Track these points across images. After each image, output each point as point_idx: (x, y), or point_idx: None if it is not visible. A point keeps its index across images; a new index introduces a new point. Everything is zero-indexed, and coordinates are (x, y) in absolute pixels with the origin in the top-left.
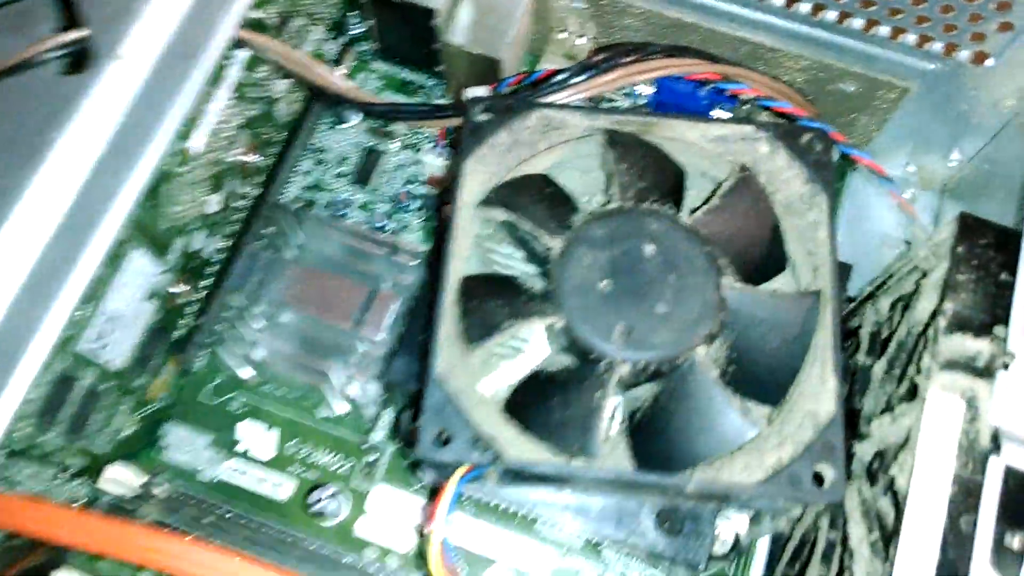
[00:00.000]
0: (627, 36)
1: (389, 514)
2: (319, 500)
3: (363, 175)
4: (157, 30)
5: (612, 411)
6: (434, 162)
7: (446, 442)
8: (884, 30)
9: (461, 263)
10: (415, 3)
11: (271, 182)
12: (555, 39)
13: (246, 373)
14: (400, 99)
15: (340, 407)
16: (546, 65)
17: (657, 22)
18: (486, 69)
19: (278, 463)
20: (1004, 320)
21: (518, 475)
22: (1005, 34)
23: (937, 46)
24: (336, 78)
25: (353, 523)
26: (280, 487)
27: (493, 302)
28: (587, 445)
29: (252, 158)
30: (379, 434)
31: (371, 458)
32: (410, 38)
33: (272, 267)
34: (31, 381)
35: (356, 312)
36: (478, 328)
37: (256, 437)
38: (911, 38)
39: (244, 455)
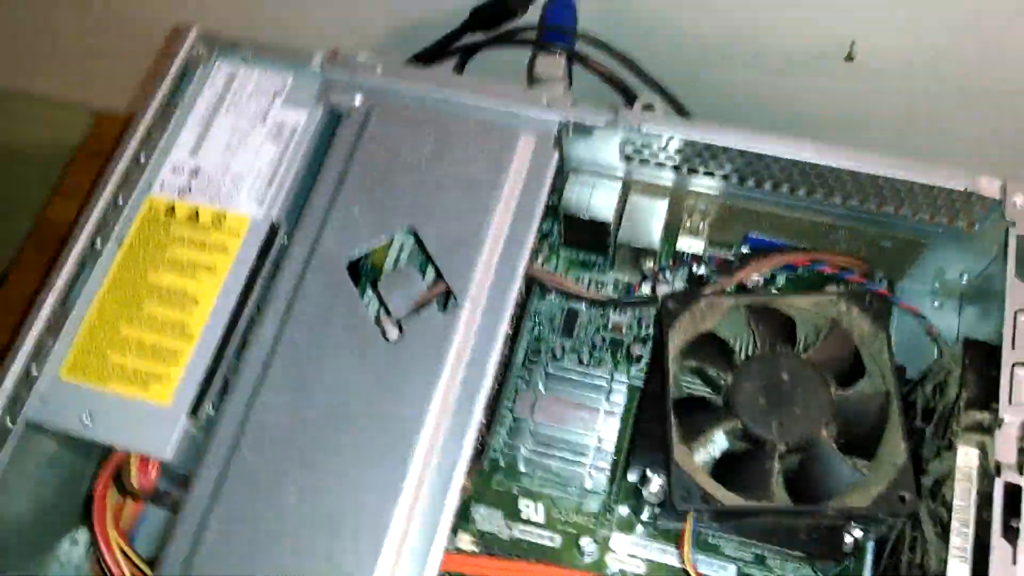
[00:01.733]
0: (728, 223)
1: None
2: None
3: (568, 329)
4: (485, 280)
5: (775, 473)
6: (619, 319)
7: (687, 497)
8: (904, 211)
9: (674, 392)
10: (595, 219)
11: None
12: (683, 226)
13: (521, 468)
14: (583, 274)
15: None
16: (681, 243)
17: (739, 211)
18: (642, 253)
19: (549, 525)
20: (996, 399)
21: (726, 515)
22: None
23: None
24: (573, 284)
25: (604, 557)
26: (552, 540)
27: (697, 415)
28: (766, 493)
29: None
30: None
31: (609, 518)
32: (589, 237)
33: (526, 399)
34: None
35: (593, 424)
36: (692, 432)
37: (531, 510)
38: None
39: (527, 521)
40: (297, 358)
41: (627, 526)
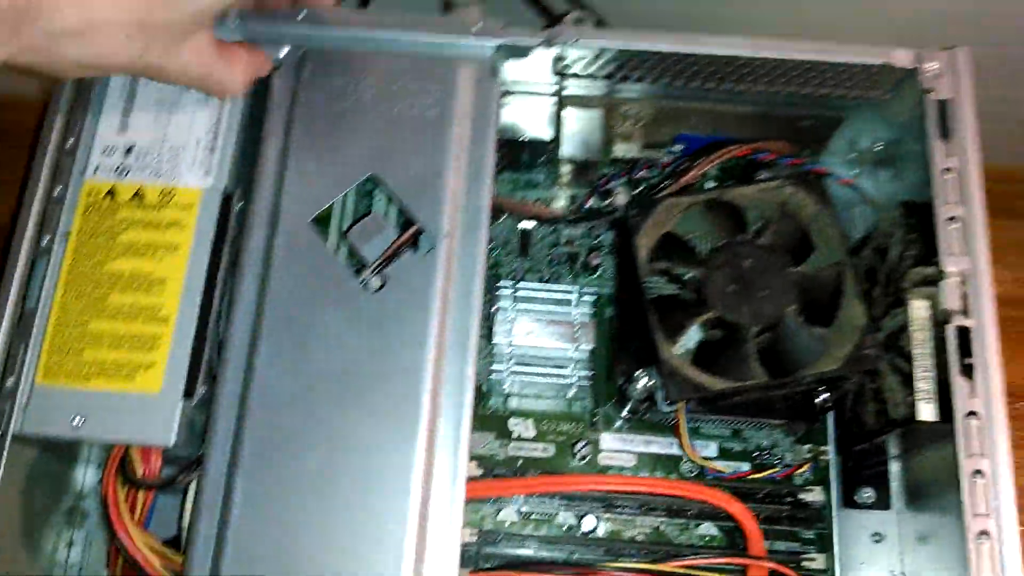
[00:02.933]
0: (659, 124)
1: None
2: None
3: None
4: (455, 214)
5: (753, 353)
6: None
7: (681, 389)
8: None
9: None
10: (534, 139)
11: None
12: (617, 133)
13: (506, 389)
14: (528, 194)
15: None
16: (617, 150)
17: (669, 112)
18: (583, 166)
19: (540, 437)
20: (936, 254)
21: (712, 399)
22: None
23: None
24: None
25: (596, 457)
26: (545, 450)
27: (674, 312)
28: (746, 373)
29: None
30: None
31: (595, 420)
32: (530, 157)
33: (500, 325)
34: None
35: (567, 335)
36: (672, 329)
37: (520, 426)
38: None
39: (519, 437)
40: (284, 323)
41: (612, 425)
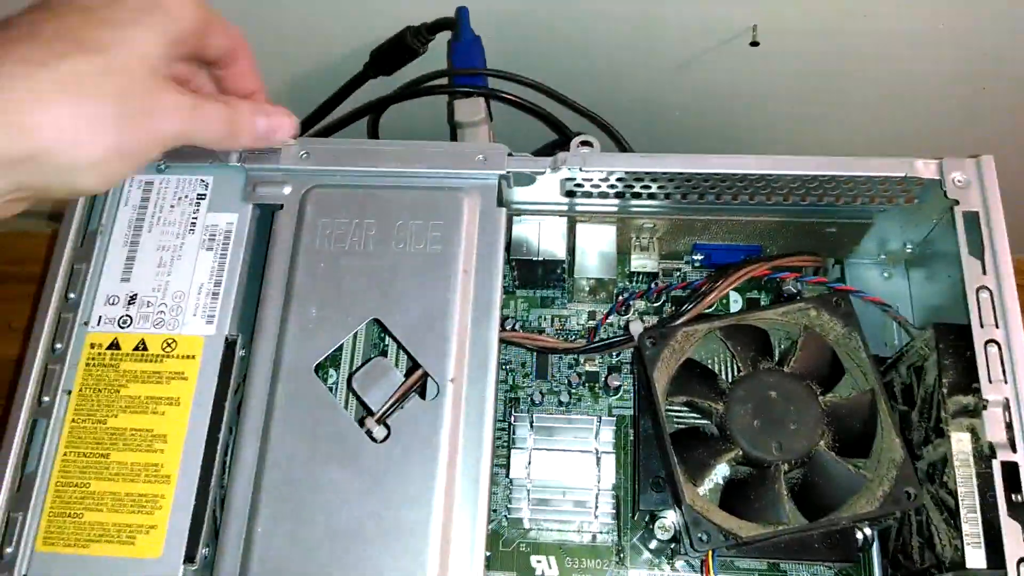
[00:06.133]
0: (677, 235)
1: None
2: None
3: (541, 372)
4: (462, 356)
5: (784, 493)
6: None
7: (707, 540)
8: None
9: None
10: (547, 259)
11: None
12: (633, 246)
13: (526, 526)
14: (543, 312)
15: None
16: (634, 263)
17: (686, 224)
18: (599, 281)
19: (563, 575)
20: (976, 379)
21: (745, 545)
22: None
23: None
24: (544, 338)
25: None
26: None
27: (697, 449)
28: (779, 516)
29: None
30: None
31: (621, 556)
32: (544, 276)
33: (518, 459)
34: None
35: (589, 468)
36: (695, 468)
37: (543, 564)
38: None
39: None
40: (286, 480)
41: (639, 558)
